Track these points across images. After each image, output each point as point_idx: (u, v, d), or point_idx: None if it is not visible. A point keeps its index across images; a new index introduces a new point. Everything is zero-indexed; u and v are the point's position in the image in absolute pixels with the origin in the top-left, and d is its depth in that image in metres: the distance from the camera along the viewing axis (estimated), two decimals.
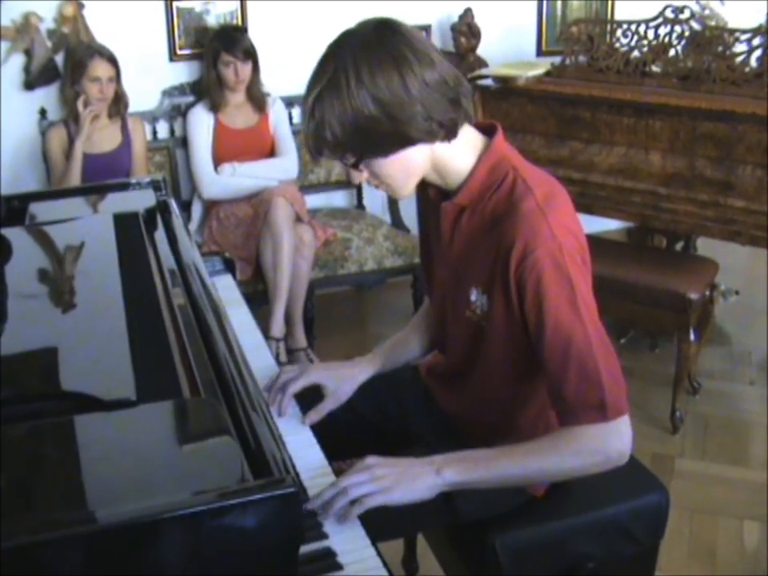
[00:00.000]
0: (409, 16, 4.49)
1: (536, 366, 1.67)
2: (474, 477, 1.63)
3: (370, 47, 1.55)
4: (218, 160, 4.07)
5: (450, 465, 1.62)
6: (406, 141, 1.60)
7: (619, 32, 3.84)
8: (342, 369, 2.01)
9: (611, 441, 1.63)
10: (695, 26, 3.67)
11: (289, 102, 4.19)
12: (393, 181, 1.69)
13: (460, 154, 1.69)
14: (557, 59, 4.06)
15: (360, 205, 4.71)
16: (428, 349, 2.10)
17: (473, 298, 1.74)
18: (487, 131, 1.75)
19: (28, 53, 3.93)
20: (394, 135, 1.58)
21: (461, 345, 1.86)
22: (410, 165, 1.65)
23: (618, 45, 3.85)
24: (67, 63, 3.94)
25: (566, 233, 1.61)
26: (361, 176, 1.69)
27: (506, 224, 1.63)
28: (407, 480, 1.58)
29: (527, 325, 1.65)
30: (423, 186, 1.76)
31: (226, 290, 2.33)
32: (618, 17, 4.83)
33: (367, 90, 1.53)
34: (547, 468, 1.66)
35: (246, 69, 4.01)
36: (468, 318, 1.77)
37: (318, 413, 1.92)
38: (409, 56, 1.55)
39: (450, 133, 1.63)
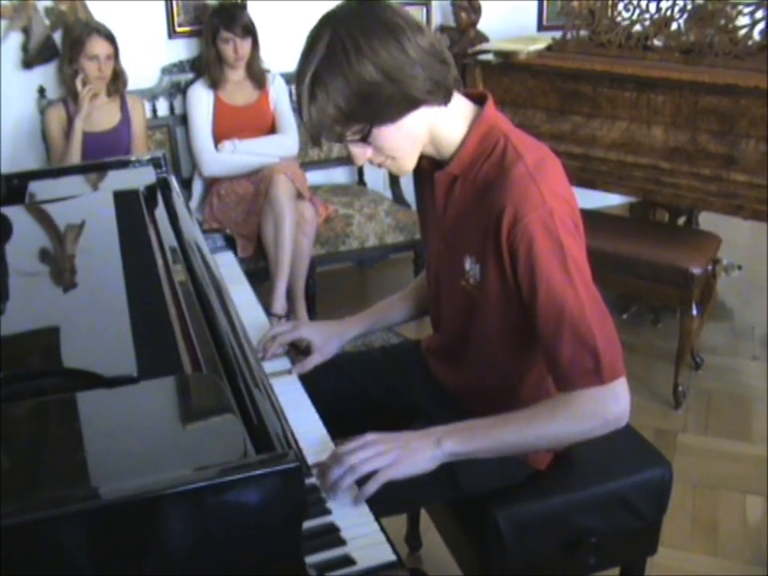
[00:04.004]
0: None
1: (532, 335, 1.67)
2: (474, 446, 1.63)
3: (362, 19, 1.56)
4: (218, 137, 4.06)
5: (449, 435, 1.62)
6: (411, 102, 1.60)
7: (621, 6, 3.82)
8: (329, 327, 2.11)
9: (608, 404, 1.62)
10: None
11: (289, 79, 4.17)
12: (398, 152, 1.68)
13: (453, 122, 1.70)
14: (558, 34, 4.05)
15: (361, 181, 4.70)
16: (416, 314, 2.17)
17: (467, 267, 1.74)
18: (478, 101, 1.75)
19: (26, 31, 3.90)
20: (399, 97, 1.58)
21: (456, 317, 1.87)
22: (413, 133, 1.65)
23: (619, 19, 3.83)
24: (65, 41, 3.92)
25: (557, 198, 1.61)
26: (364, 154, 1.68)
27: (497, 191, 1.64)
28: (409, 453, 1.59)
29: (521, 292, 1.65)
30: (418, 159, 1.76)
31: (228, 267, 2.33)
32: None
33: (368, 58, 1.53)
34: (546, 434, 1.66)
35: (245, 45, 3.99)
36: (463, 288, 1.77)
37: (306, 365, 2.02)
38: (400, 23, 1.57)
39: (447, 93, 1.64)
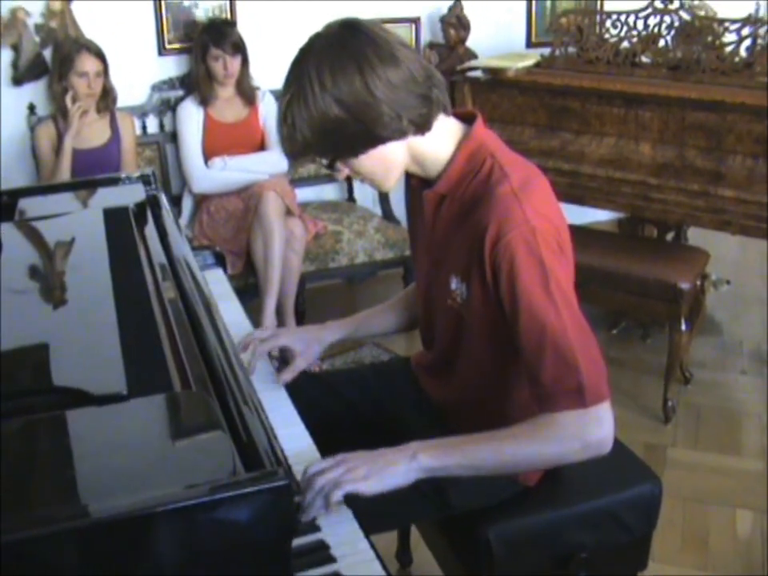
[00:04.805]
0: (398, 8, 4.50)
1: (518, 353, 1.66)
2: (449, 461, 1.60)
3: (332, 50, 1.58)
4: (208, 154, 4.06)
5: (425, 449, 1.59)
6: (375, 140, 1.62)
7: (608, 22, 3.85)
8: (309, 332, 2.10)
9: (590, 427, 1.59)
10: (684, 16, 3.67)
11: (278, 96, 4.17)
12: (373, 176, 1.71)
13: (438, 144, 1.70)
14: (546, 50, 4.07)
15: (351, 198, 4.71)
16: (403, 326, 2.17)
17: (453, 286, 1.74)
18: (468, 119, 1.76)
19: (16, 48, 3.91)
20: (361, 136, 1.60)
21: (445, 334, 1.87)
22: (386, 160, 1.67)
23: (607, 35, 3.85)
24: (55, 58, 3.92)
25: (541, 217, 1.61)
26: (342, 173, 1.72)
27: (482, 209, 1.64)
28: (380, 468, 1.56)
29: (504, 310, 1.65)
30: (408, 177, 1.77)
31: (217, 284, 2.33)
32: (607, 7, 4.83)
33: (332, 95, 1.55)
34: (524, 454, 1.63)
35: (235, 63, 4.00)
36: (450, 307, 1.77)
37: (291, 372, 2.01)
38: (371, 57, 1.57)
39: (421, 128, 1.65)
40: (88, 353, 1.46)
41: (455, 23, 4.55)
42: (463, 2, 4.58)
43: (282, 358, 2.13)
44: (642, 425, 3.45)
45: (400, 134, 1.62)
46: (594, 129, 3.73)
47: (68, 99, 3.78)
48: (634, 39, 3.78)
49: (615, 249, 3.66)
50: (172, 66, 4.28)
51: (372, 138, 1.61)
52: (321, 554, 1.44)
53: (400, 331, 2.19)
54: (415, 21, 4.66)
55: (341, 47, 1.57)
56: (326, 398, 2.06)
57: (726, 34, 3.57)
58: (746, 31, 3.52)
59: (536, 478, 1.94)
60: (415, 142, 1.67)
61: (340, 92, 1.55)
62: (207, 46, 3.98)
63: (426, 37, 4.75)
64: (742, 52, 3.54)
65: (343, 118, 1.56)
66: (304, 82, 1.56)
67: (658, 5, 3.70)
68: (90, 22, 4.01)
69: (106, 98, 3.91)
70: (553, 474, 1.95)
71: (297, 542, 1.27)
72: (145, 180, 2.36)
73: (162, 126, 4.30)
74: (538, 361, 1.60)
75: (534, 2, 4.93)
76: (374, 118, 1.58)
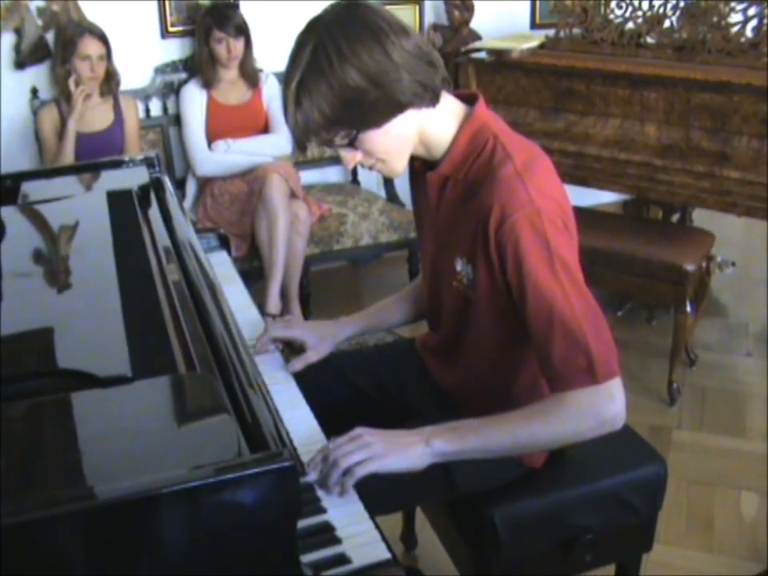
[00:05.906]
0: None
1: (524, 334, 1.66)
2: (464, 446, 1.62)
3: (345, 24, 1.57)
4: (211, 137, 4.05)
5: (439, 434, 1.61)
6: (396, 106, 1.61)
7: (613, 3, 3.83)
8: (323, 328, 2.10)
9: (603, 404, 1.60)
10: None
11: (282, 79, 4.16)
12: (388, 155, 1.69)
13: (443, 123, 1.70)
14: (551, 32, 4.05)
15: (355, 180, 4.70)
16: (412, 318, 2.16)
17: (458, 267, 1.74)
18: (470, 100, 1.75)
19: (18, 31, 3.90)
20: (383, 102, 1.59)
21: (451, 316, 1.86)
22: (401, 135, 1.66)
23: (612, 16, 3.83)
24: (58, 41, 3.91)
25: (545, 197, 1.61)
26: (354, 158, 1.69)
27: (485, 191, 1.64)
28: (397, 448, 1.59)
29: (511, 291, 1.65)
30: (411, 160, 1.77)
31: (222, 267, 2.33)
32: None
33: (351, 63, 1.54)
34: (538, 434, 1.64)
35: (238, 45, 3.99)
36: (455, 289, 1.77)
37: (301, 362, 2.01)
38: (384, 27, 1.58)
39: (434, 95, 1.65)
40: (92, 336, 1.46)
41: (459, 4, 4.52)
42: None
43: (288, 345, 2.12)
44: (647, 407, 3.45)
45: (418, 100, 1.62)
46: (599, 110, 3.71)
47: (71, 83, 3.77)
48: (639, 20, 3.76)
49: (620, 231, 3.64)
50: (175, 49, 4.27)
51: (392, 103, 1.60)
52: (326, 535, 1.44)
53: (410, 322, 2.19)
54: (419, 2, 4.64)
55: (353, 20, 1.57)
56: (330, 380, 2.06)
57: (732, 14, 3.55)
58: (752, 11, 3.50)
59: (541, 460, 1.94)
60: (425, 118, 1.66)
61: (360, 61, 1.54)
62: (210, 29, 3.97)
63: (429, 18, 4.73)
64: (748, 32, 3.52)
65: (363, 87, 1.55)
66: (319, 57, 1.55)
67: None
68: (92, 4, 3.99)
69: (110, 82, 3.90)
70: (558, 456, 1.95)
71: (302, 523, 1.27)
72: (148, 163, 2.36)
73: (165, 109, 4.29)
74: (548, 342, 1.60)
75: None
76: (394, 82, 1.57)
